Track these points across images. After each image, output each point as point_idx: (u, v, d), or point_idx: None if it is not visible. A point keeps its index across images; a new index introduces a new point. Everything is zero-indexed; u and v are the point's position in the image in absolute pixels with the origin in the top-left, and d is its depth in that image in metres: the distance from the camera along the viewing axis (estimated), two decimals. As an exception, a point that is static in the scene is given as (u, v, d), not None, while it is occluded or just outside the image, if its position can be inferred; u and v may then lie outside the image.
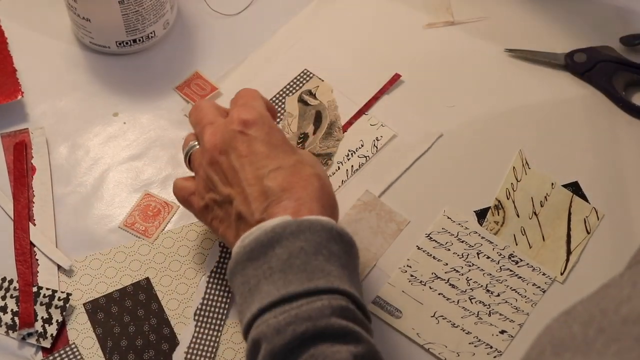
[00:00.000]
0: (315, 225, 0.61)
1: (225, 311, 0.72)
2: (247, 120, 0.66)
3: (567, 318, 0.50)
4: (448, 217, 0.77)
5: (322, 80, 0.84)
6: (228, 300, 0.72)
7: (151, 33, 0.84)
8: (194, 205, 0.70)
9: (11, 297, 0.71)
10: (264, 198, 0.64)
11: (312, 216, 0.62)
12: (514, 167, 0.80)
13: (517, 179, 0.80)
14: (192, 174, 0.72)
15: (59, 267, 0.73)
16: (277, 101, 0.83)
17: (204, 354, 0.70)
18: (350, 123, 0.82)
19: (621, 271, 0.53)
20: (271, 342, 0.57)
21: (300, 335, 0.57)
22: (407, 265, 0.75)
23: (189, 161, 0.71)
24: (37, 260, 0.74)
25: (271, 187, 0.64)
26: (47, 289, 0.72)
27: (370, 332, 0.61)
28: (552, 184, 0.80)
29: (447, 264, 0.75)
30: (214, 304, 0.72)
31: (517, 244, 0.77)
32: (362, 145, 0.81)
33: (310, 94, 0.83)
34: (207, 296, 0.72)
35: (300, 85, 0.84)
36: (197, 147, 0.70)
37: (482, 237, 0.77)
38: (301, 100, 0.83)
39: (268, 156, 0.65)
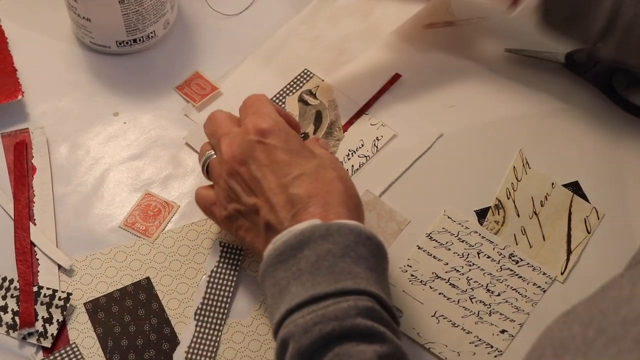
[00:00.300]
0: (343, 229, 0.63)
1: (225, 311, 0.72)
2: (264, 129, 0.67)
3: (566, 319, 0.50)
4: (448, 217, 0.77)
5: (322, 80, 0.84)
6: (228, 300, 0.72)
7: (151, 33, 0.84)
8: (216, 215, 0.71)
9: (12, 296, 0.71)
10: (291, 206, 0.65)
11: (340, 220, 0.63)
12: (514, 167, 0.80)
13: (517, 179, 0.80)
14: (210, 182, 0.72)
15: (60, 266, 0.73)
16: (277, 101, 0.83)
17: (204, 353, 0.70)
18: (350, 123, 0.82)
19: (621, 272, 0.53)
20: (298, 342, 0.59)
21: (326, 335, 0.58)
22: (408, 265, 0.75)
23: (207, 171, 0.72)
24: (37, 259, 0.74)
25: (297, 195, 0.65)
26: (48, 288, 0.72)
27: (396, 333, 0.62)
28: (553, 183, 0.80)
29: (447, 264, 0.75)
30: (214, 303, 0.72)
31: (517, 244, 0.77)
32: (362, 145, 0.81)
33: (311, 93, 0.83)
34: (207, 296, 0.72)
35: (300, 85, 0.84)
36: (214, 156, 0.71)
37: (483, 237, 0.77)
38: (301, 100, 0.83)
39: (289, 163, 0.66)
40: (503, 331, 0.73)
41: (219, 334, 0.71)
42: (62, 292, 0.72)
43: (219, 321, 0.72)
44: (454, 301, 0.74)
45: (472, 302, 0.74)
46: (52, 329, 0.70)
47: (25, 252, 0.74)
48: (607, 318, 0.47)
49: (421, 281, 0.74)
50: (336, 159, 0.71)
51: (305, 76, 0.85)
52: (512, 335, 0.73)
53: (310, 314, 0.59)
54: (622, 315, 0.46)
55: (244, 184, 0.67)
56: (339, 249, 0.62)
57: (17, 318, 0.70)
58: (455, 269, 0.75)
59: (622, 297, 0.48)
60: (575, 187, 0.80)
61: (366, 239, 0.63)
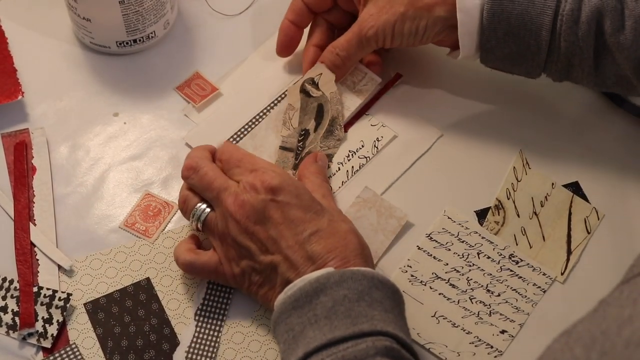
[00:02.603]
0: (357, 275, 0.64)
1: (225, 311, 0.72)
2: (275, 186, 0.68)
3: (568, 339, 0.49)
4: (448, 217, 0.77)
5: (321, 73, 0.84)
6: (228, 301, 0.72)
7: (151, 33, 0.84)
8: (226, 273, 0.70)
9: (12, 297, 0.71)
10: (311, 262, 0.66)
11: (353, 267, 0.65)
12: (514, 167, 0.80)
13: (517, 179, 0.80)
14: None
15: (60, 267, 0.73)
16: (277, 102, 0.83)
17: (204, 354, 0.70)
18: (351, 123, 0.82)
19: (619, 285, 0.53)
20: None
21: None
22: (408, 266, 0.75)
23: (202, 224, 0.71)
24: (37, 260, 0.74)
25: (316, 252, 0.66)
26: (48, 289, 0.72)
27: None
28: (553, 184, 0.80)
29: (447, 264, 0.75)
30: (214, 304, 0.72)
31: (517, 244, 0.77)
32: (362, 146, 0.81)
33: (313, 82, 0.82)
34: (207, 296, 0.72)
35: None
36: (208, 210, 0.70)
37: (483, 237, 0.77)
38: (303, 90, 0.82)
39: (303, 220, 0.67)
40: (503, 331, 0.73)
41: (219, 334, 0.71)
42: (62, 292, 0.72)
43: (218, 321, 0.72)
44: (454, 301, 0.74)
45: (472, 303, 0.74)
46: (52, 330, 0.70)
47: (25, 253, 0.74)
48: (609, 340, 0.47)
49: (421, 281, 0.74)
50: (340, 210, 0.72)
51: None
52: (512, 336, 0.72)
53: (329, 356, 0.60)
54: (625, 337, 0.46)
55: (259, 243, 0.68)
56: (354, 294, 0.63)
57: (17, 318, 0.70)
58: (455, 270, 0.75)
59: (623, 316, 0.48)
60: (575, 187, 0.80)
61: (379, 282, 0.65)
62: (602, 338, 0.47)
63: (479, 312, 0.73)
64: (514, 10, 0.73)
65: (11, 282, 0.72)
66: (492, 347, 0.72)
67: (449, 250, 0.76)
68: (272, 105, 0.83)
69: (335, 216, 0.70)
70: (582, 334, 0.48)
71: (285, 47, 0.84)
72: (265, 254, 0.68)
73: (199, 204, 0.71)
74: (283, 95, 0.83)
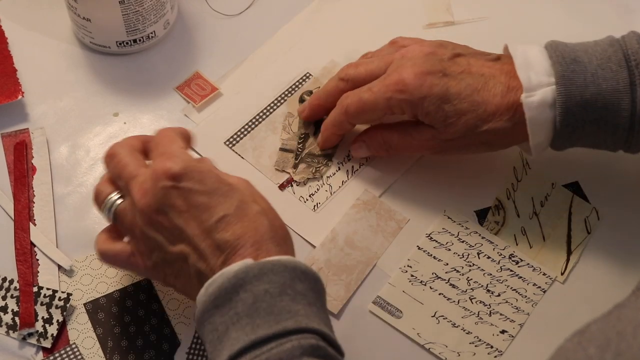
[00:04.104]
0: (278, 267, 0.61)
1: (225, 311, 0.72)
2: (175, 172, 0.63)
3: (581, 339, 0.49)
4: (448, 217, 0.77)
5: (319, 87, 0.84)
6: (228, 300, 0.72)
7: (151, 33, 0.84)
8: (139, 265, 0.67)
9: (12, 297, 0.71)
10: (220, 251, 0.62)
11: (273, 257, 0.62)
12: (514, 167, 0.80)
13: (517, 179, 0.80)
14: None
15: (60, 267, 0.73)
16: (277, 102, 0.83)
17: (205, 354, 0.70)
18: (350, 123, 0.82)
19: (635, 290, 0.53)
20: None
21: None
22: (408, 266, 0.75)
23: (113, 216, 0.68)
24: (37, 260, 0.74)
25: (223, 239, 0.62)
26: (48, 289, 0.72)
27: None
28: (553, 184, 0.80)
29: (447, 264, 0.75)
30: (214, 304, 0.72)
31: (517, 244, 0.77)
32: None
33: (311, 94, 0.83)
34: (207, 296, 0.72)
35: (301, 85, 0.84)
36: (119, 201, 0.67)
37: (483, 237, 0.77)
38: (302, 100, 0.83)
39: (209, 206, 0.63)
40: (503, 331, 0.73)
41: (219, 334, 0.71)
42: (62, 292, 0.72)
43: (219, 321, 0.72)
44: (454, 301, 0.74)
45: (472, 303, 0.74)
46: (52, 330, 0.70)
47: (25, 253, 0.74)
48: (625, 341, 0.46)
49: (421, 281, 0.74)
50: (251, 185, 0.66)
51: (305, 77, 0.85)
52: (512, 336, 0.73)
53: (254, 359, 0.57)
54: None
55: (166, 233, 0.64)
56: (276, 288, 0.60)
57: (17, 318, 0.70)
58: (455, 270, 0.75)
59: (639, 319, 0.47)
60: (575, 187, 0.80)
61: (301, 273, 0.61)
62: (617, 339, 0.46)
63: (479, 312, 0.73)
64: (587, 117, 0.69)
65: (11, 282, 0.72)
66: (492, 347, 0.72)
67: (449, 250, 0.76)
68: (272, 105, 0.83)
69: (247, 196, 0.64)
70: (596, 334, 0.48)
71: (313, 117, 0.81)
72: (174, 244, 0.64)
73: (112, 195, 0.67)
74: (283, 96, 0.83)
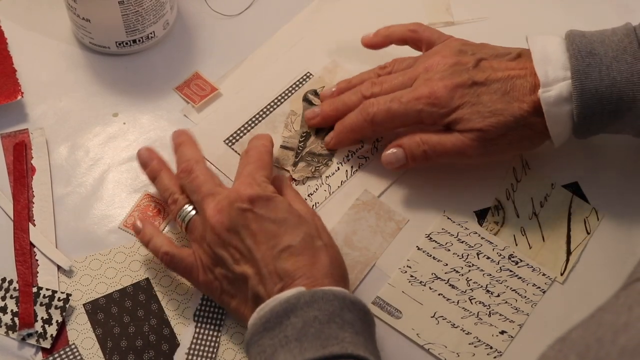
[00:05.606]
0: (328, 295, 0.63)
1: (224, 311, 0.72)
2: (252, 196, 0.68)
3: (562, 347, 0.49)
4: (448, 218, 0.77)
5: (324, 86, 0.84)
6: (228, 301, 0.73)
7: (151, 33, 0.84)
8: (198, 276, 0.70)
9: (11, 297, 0.71)
10: (279, 279, 0.65)
11: (325, 287, 0.64)
12: (513, 168, 0.80)
13: (517, 180, 0.80)
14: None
15: (59, 267, 0.73)
16: (277, 101, 0.83)
17: (204, 354, 0.70)
18: (350, 123, 0.82)
19: (617, 291, 0.52)
20: None
21: None
22: (407, 266, 0.75)
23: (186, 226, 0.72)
24: (37, 260, 0.74)
25: (284, 269, 0.65)
26: (47, 289, 0.72)
27: None
28: (552, 184, 0.80)
29: (447, 265, 0.75)
30: (213, 304, 0.72)
31: (517, 245, 0.77)
32: (362, 146, 0.81)
33: (316, 93, 0.83)
34: (206, 297, 0.72)
35: (301, 85, 0.84)
36: (194, 212, 0.71)
37: (482, 238, 0.77)
38: (306, 99, 0.83)
39: (277, 234, 0.67)
40: (502, 332, 0.73)
41: (219, 334, 0.71)
42: (62, 292, 0.72)
43: (218, 322, 0.72)
44: (454, 302, 0.74)
45: (472, 303, 0.74)
46: (52, 330, 0.70)
47: (25, 253, 0.74)
48: (604, 347, 0.46)
49: (421, 282, 0.74)
50: (319, 218, 0.71)
51: (305, 77, 0.85)
52: (512, 336, 0.72)
53: None
54: (620, 344, 0.46)
55: (234, 252, 0.67)
56: (325, 315, 0.62)
57: (16, 319, 0.71)
58: (454, 270, 0.75)
59: (618, 323, 0.47)
60: (575, 188, 0.80)
61: (351, 303, 0.64)
62: (596, 346, 0.46)
63: (478, 313, 0.73)
64: (604, 109, 0.71)
65: (10, 282, 0.72)
66: (491, 347, 0.72)
67: (449, 250, 0.76)
68: (272, 105, 0.83)
69: (313, 230, 0.68)
70: (577, 341, 0.48)
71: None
72: (239, 264, 0.67)
73: (186, 206, 0.72)
74: (283, 95, 0.83)
